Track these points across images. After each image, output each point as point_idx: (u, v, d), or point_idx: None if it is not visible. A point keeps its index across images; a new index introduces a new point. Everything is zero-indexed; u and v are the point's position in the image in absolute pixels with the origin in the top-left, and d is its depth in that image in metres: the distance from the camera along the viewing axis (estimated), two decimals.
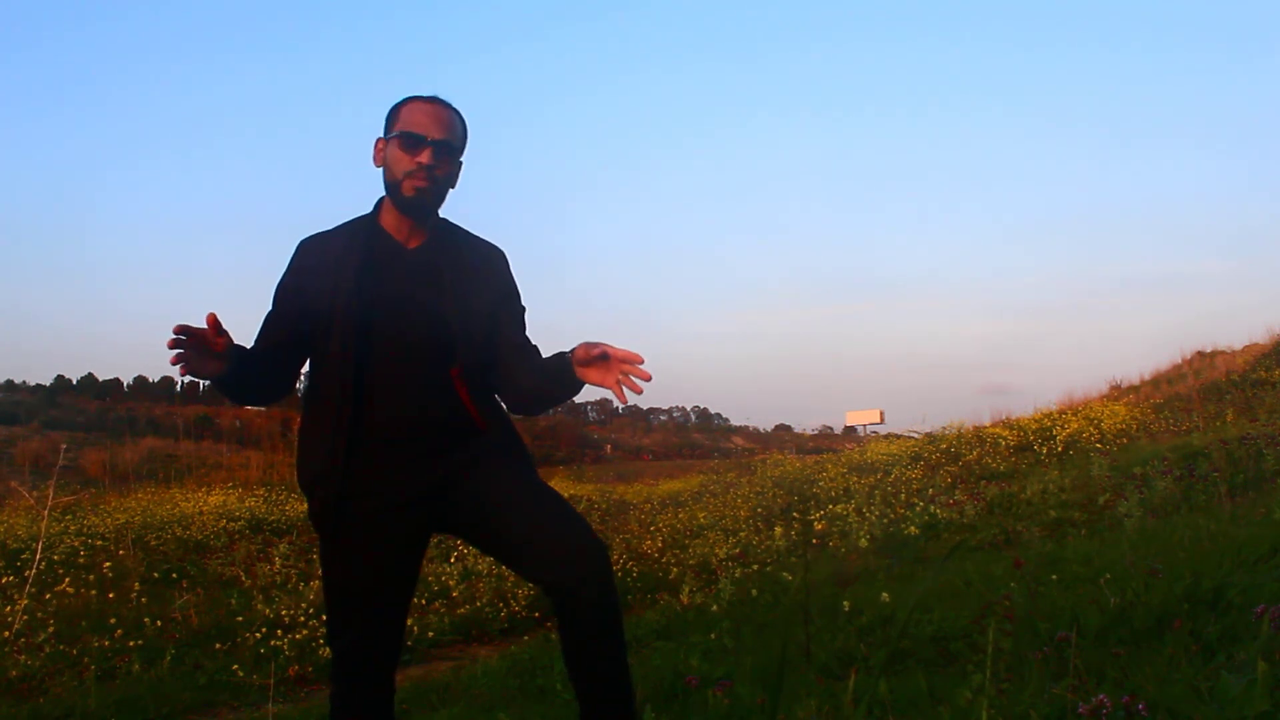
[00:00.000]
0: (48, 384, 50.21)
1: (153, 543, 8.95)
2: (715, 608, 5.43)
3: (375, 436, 1.95)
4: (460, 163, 2.07)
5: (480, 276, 2.05)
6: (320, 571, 2.16)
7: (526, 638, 6.03)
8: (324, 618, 5.90)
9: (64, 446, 7.74)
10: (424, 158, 1.97)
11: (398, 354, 1.95)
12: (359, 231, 2.04)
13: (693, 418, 72.15)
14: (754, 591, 5.73)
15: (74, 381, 52.69)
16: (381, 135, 2.04)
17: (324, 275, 1.99)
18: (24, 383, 48.50)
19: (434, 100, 2.03)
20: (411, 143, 1.98)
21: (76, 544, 8.29)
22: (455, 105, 2.06)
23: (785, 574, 6.10)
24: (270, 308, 2.04)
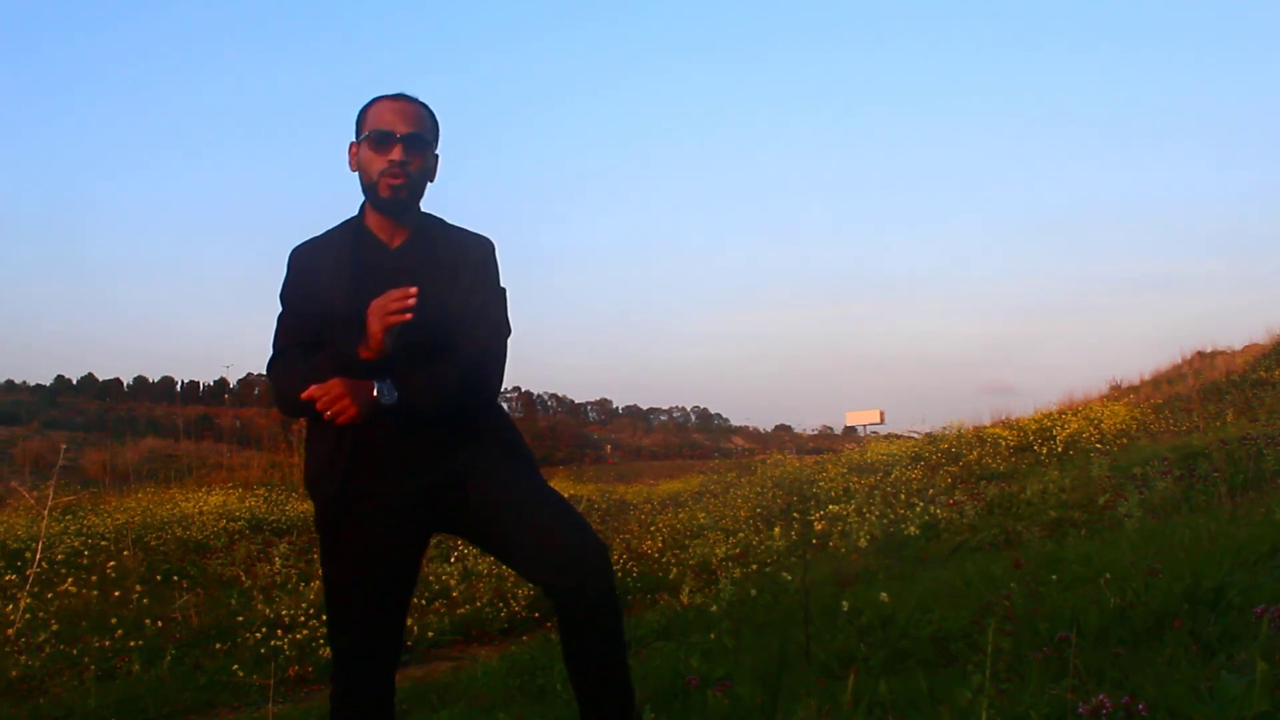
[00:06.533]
0: (48, 384, 50.21)
1: (153, 543, 8.94)
2: (715, 608, 5.43)
3: (376, 437, 1.95)
4: (436, 155, 2.08)
5: (456, 271, 2.03)
6: (320, 571, 2.16)
7: (526, 638, 6.03)
8: (324, 618, 5.93)
9: (64, 446, 7.72)
10: (395, 154, 1.98)
11: (392, 355, 1.95)
12: (347, 235, 2.05)
13: (693, 418, 72.15)
14: (754, 591, 5.72)
15: (74, 381, 52.71)
16: (354, 139, 2.05)
17: (321, 281, 2.00)
18: (24, 383, 48.49)
19: (399, 97, 2.04)
20: (381, 140, 1.99)
21: (78, 544, 8.28)
22: (421, 100, 2.06)
23: (785, 574, 6.10)
24: (285, 316, 2.04)
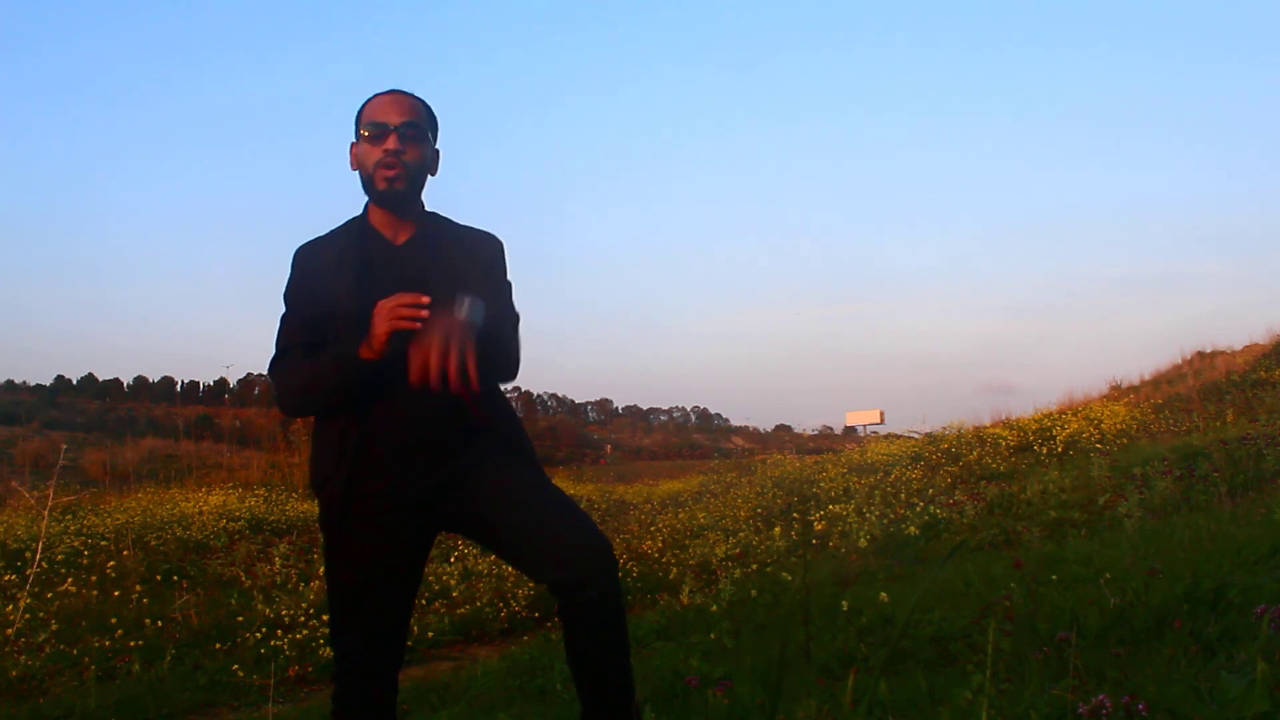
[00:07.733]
0: (48, 384, 50.12)
1: (153, 543, 8.94)
2: (715, 608, 5.44)
3: (381, 437, 1.95)
4: (435, 150, 2.09)
5: (464, 269, 2.03)
6: (322, 571, 2.16)
7: (526, 638, 6.04)
8: (325, 618, 5.95)
9: (64, 446, 7.69)
10: (390, 144, 1.99)
11: (396, 354, 1.94)
12: (351, 233, 2.04)
13: (693, 418, 72.10)
14: (754, 591, 5.73)
15: (74, 381, 52.62)
16: (353, 139, 2.06)
17: (325, 280, 1.99)
18: (24, 383, 48.35)
19: (393, 90, 2.05)
20: (376, 132, 2.00)
21: (78, 544, 8.28)
22: (417, 94, 2.07)
23: (785, 574, 6.10)
24: (289, 316, 2.03)
